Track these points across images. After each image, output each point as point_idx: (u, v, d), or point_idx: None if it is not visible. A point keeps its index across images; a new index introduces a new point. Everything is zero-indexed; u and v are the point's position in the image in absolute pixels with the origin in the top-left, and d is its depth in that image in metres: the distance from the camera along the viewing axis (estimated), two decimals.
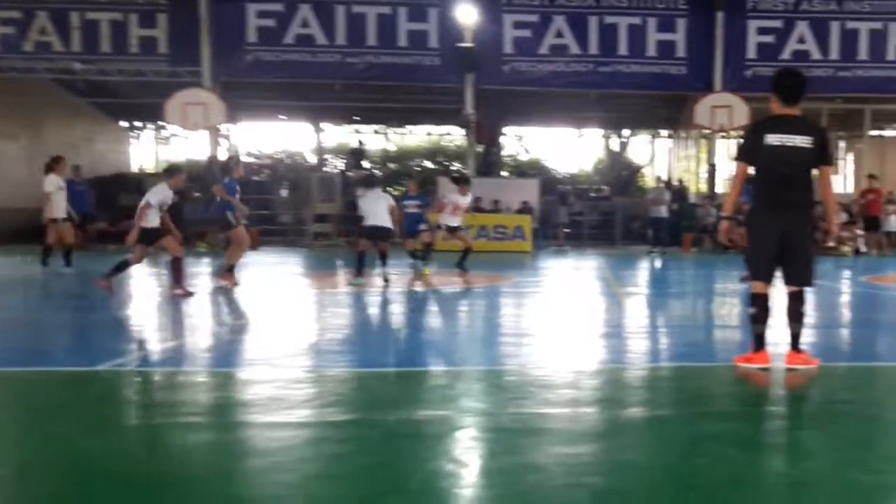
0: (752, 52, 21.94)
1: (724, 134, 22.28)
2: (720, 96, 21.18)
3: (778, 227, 5.51)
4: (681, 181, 25.99)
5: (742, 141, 5.78)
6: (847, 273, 14.75)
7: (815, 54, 21.93)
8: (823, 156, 5.56)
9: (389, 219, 11.41)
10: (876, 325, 8.51)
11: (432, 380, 5.71)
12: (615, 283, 12.73)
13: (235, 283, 10.65)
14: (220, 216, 11.18)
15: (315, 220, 14.69)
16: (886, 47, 21.94)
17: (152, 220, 9.71)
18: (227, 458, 3.85)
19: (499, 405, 4.83)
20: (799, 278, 5.63)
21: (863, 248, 19.84)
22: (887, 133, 28.92)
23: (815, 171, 5.64)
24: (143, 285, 11.64)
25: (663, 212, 19.85)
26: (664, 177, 25.80)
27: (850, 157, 29.67)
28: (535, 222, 21.34)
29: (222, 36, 21.36)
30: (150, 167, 31.58)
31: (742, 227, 5.81)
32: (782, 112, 5.63)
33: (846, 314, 9.78)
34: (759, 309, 5.68)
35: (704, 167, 25.37)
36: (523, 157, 31.86)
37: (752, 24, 22.01)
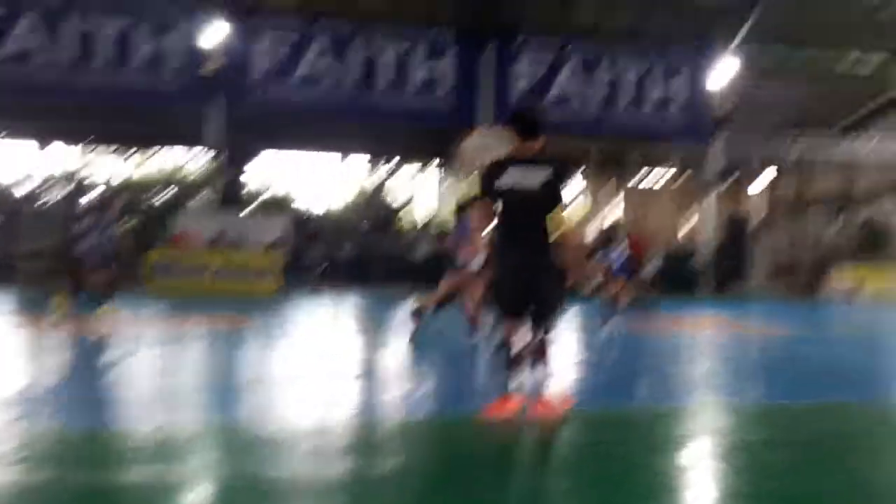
0: (518, 91, 22.87)
1: None
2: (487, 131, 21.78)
3: (517, 266, 5.51)
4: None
5: (480, 179, 5.71)
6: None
7: (579, 96, 23.30)
8: (557, 193, 5.51)
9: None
10: (630, 367, 8.86)
11: (142, 438, 5.05)
12: (368, 325, 12.62)
13: None
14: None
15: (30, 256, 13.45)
16: (646, 94, 23.75)
17: None
18: None
19: (217, 464, 4.54)
20: (540, 322, 5.59)
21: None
22: (652, 176, 31.15)
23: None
24: None
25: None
26: (425, 214, 26.23)
27: (619, 198, 31.71)
28: (284, 260, 20.72)
29: None
30: None
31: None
32: (519, 147, 5.68)
33: (602, 357, 10.02)
34: (504, 355, 5.63)
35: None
36: (274, 191, 31.24)
37: (519, 63, 23.04)
